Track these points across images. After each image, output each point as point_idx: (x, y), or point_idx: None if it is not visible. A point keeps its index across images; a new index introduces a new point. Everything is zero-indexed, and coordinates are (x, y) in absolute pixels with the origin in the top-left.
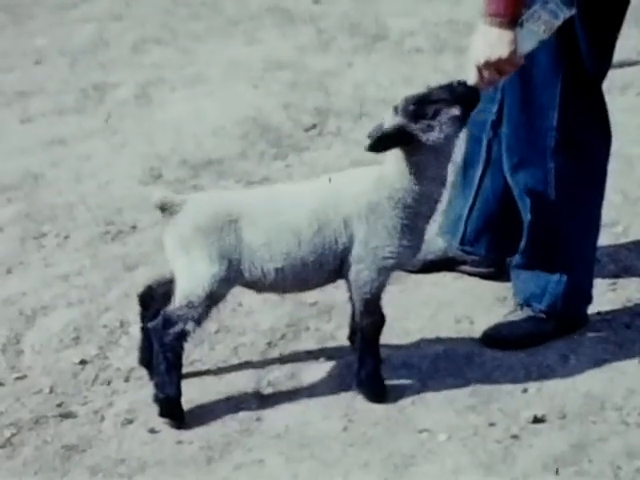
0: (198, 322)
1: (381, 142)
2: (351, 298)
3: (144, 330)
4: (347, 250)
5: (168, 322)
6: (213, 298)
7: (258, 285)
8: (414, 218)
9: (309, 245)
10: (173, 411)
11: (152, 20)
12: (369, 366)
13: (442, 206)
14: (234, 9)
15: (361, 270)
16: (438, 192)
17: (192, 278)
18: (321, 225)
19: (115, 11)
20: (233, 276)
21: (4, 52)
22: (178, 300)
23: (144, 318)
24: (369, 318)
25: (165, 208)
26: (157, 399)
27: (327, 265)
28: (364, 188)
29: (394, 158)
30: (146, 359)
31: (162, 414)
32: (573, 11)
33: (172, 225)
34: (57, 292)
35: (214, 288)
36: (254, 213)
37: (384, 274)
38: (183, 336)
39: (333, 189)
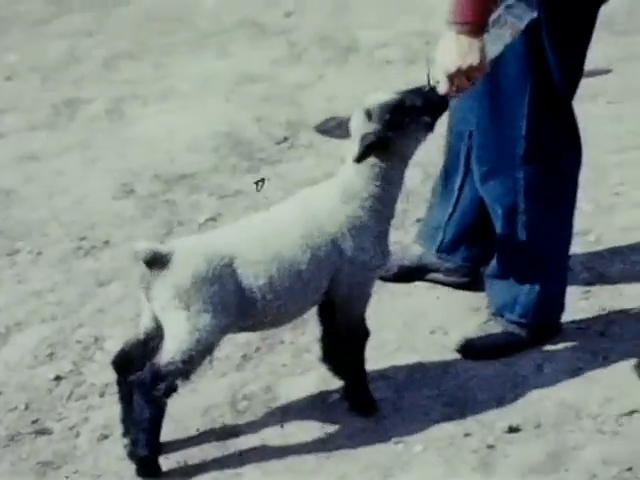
0: (188, 376)
1: (367, 152)
2: (324, 319)
3: (123, 398)
4: (338, 269)
5: (157, 376)
6: (210, 350)
7: (254, 326)
8: (385, 223)
9: (307, 274)
10: (152, 470)
11: (124, 35)
12: (359, 381)
13: (419, 213)
14: (206, 23)
15: (352, 286)
16: (399, 193)
17: (192, 332)
18: (313, 250)
19: (87, 27)
20: (232, 323)
21: None
22: (172, 355)
23: (121, 385)
24: (357, 332)
25: (154, 261)
26: (134, 457)
27: (321, 289)
28: (337, 203)
29: (356, 167)
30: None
31: (140, 474)
32: (535, 14)
33: (165, 277)
34: (31, 308)
35: (216, 340)
36: (245, 252)
37: (372, 285)
38: (172, 391)
39: (310, 211)
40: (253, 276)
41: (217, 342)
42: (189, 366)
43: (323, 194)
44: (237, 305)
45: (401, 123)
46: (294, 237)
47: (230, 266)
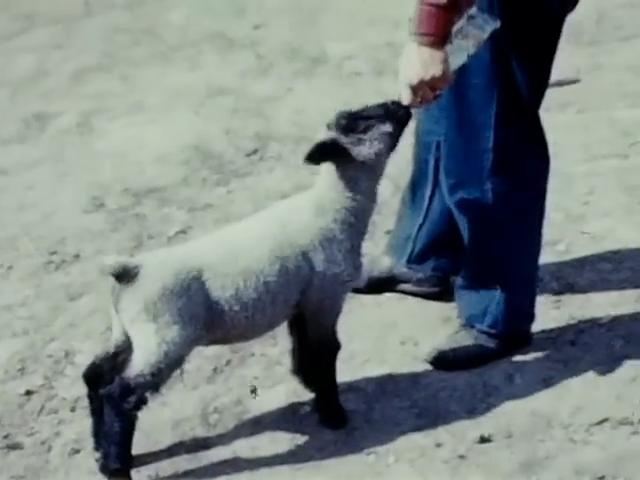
0: (157, 389)
1: (316, 153)
2: (295, 331)
3: (94, 412)
4: (309, 282)
5: (126, 389)
6: (179, 363)
7: (224, 339)
8: (357, 236)
9: (276, 286)
10: None
11: (92, 48)
12: (330, 393)
13: (389, 225)
14: (174, 36)
15: (323, 299)
16: (372, 207)
17: (161, 345)
18: (282, 263)
19: (55, 40)
20: (201, 335)
21: None
22: (141, 367)
23: (92, 399)
24: (328, 345)
25: (122, 275)
26: (106, 470)
27: (291, 301)
28: (310, 216)
29: (327, 179)
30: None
31: None
32: (498, 24)
33: (133, 290)
34: (1, 323)
35: (184, 353)
36: (214, 264)
37: (343, 298)
38: (142, 404)
39: (282, 223)
40: (220, 288)
41: (186, 355)
42: (158, 379)
43: (297, 207)
44: (205, 317)
45: (355, 128)
46: (263, 249)
47: (198, 278)
